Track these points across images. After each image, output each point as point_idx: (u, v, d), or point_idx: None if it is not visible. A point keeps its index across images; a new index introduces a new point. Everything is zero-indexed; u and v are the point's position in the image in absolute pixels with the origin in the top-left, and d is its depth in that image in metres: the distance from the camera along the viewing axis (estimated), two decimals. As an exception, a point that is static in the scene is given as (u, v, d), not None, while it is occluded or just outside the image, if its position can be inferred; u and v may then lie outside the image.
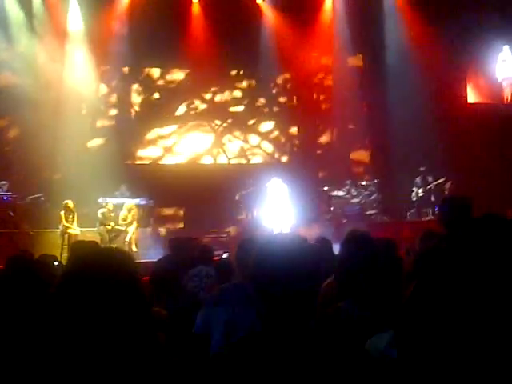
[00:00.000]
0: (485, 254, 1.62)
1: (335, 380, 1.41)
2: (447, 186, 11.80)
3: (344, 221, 11.80)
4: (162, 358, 1.41)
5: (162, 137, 13.87)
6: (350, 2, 13.28)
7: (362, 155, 14.37)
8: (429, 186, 11.99)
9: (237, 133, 14.22)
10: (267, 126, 14.38)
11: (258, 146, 14.36)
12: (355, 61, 14.03)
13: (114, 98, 13.41)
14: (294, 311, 1.50)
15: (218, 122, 14.08)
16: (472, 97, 14.36)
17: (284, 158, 14.50)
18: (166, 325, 2.74)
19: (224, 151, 14.13)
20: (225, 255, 8.36)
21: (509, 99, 13.72)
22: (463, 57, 13.52)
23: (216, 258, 6.31)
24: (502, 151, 13.23)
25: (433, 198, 11.80)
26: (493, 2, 12.61)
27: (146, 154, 13.75)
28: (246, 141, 14.26)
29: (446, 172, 12.03)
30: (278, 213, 10.71)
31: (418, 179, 12.18)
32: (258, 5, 13.59)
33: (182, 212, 13.19)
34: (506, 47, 13.55)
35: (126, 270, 1.34)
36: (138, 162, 13.65)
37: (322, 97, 14.46)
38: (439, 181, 11.86)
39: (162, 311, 2.88)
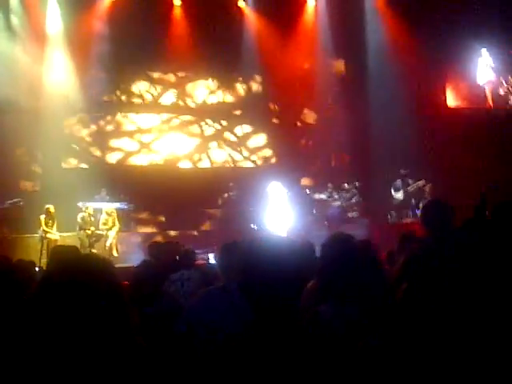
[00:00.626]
0: (479, 254, 1.63)
1: (315, 381, 1.41)
2: (427, 188, 11.91)
3: (325, 223, 11.86)
4: (143, 360, 1.41)
5: (141, 130, 13.65)
6: (332, 5, 13.37)
7: (343, 158, 14.44)
8: (409, 189, 12.10)
9: (220, 141, 14.14)
10: (246, 129, 14.34)
11: (248, 158, 14.28)
12: (337, 64, 14.12)
13: (94, 99, 13.24)
14: (280, 313, 1.50)
15: (197, 126, 14.03)
16: (452, 100, 14.55)
17: (266, 162, 14.48)
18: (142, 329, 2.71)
19: (209, 157, 14.01)
20: (210, 256, 8.32)
21: (490, 103, 13.94)
22: (443, 60, 13.69)
23: (200, 262, 6.28)
24: (481, 154, 13.41)
25: (413, 201, 11.92)
26: (471, 5, 12.80)
27: (119, 145, 13.47)
28: (234, 148, 14.19)
29: (426, 175, 12.15)
30: (277, 216, 10.60)
31: (398, 182, 12.28)
32: (240, 8, 13.61)
33: (163, 216, 13.09)
34: (484, 50, 13.76)
35: (103, 275, 1.35)
36: (113, 162, 13.34)
37: (303, 100, 14.48)
38: (419, 183, 11.98)
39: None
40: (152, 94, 13.78)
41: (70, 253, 3.20)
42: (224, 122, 14.16)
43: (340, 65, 14.31)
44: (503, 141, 13.24)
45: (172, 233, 11.68)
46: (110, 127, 13.53)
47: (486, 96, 14.08)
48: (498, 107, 14.01)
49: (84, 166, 12.93)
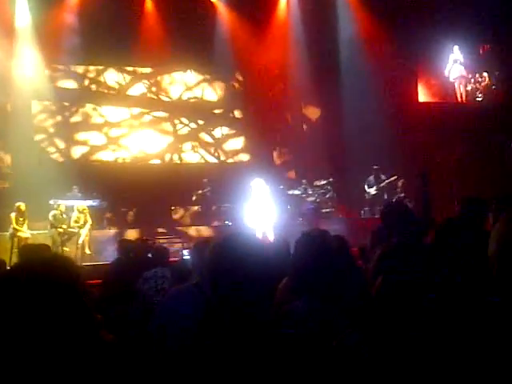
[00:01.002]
0: (449, 249, 1.65)
1: (288, 380, 1.41)
2: (399, 183, 12.06)
3: (300, 219, 11.91)
4: (108, 357, 1.41)
5: (110, 124, 13.36)
6: (305, 0, 13.41)
7: (316, 154, 14.49)
8: (381, 184, 12.23)
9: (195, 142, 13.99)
10: (224, 130, 14.25)
11: (224, 162, 14.15)
12: (309, 60, 14.14)
13: (64, 94, 12.98)
14: (252, 311, 1.49)
15: (169, 124, 13.87)
16: (423, 96, 14.75)
17: (243, 159, 14.44)
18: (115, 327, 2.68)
19: (180, 158, 13.84)
20: (185, 252, 8.27)
21: (462, 98, 14.20)
22: (414, 56, 13.88)
23: (174, 259, 6.24)
24: (452, 149, 13.64)
25: (385, 196, 12.05)
26: (443, 2, 12.99)
27: (85, 138, 13.18)
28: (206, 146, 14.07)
29: (399, 170, 12.30)
30: (256, 212, 10.53)
31: (371, 177, 12.40)
32: (212, 3, 13.52)
33: (136, 213, 12.91)
34: (455, 47, 13.99)
35: (64, 276, 1.37)
36: (83, 158, 13.06)
37: (275, 95, 14.47)
38: (391, 179, 12.12)
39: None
40: (122, 86, 13.56)
41: (40, 252, 3.14)
42: (200, 122, 14.04)
43: (312, 61, 14.32)
44: (473, 134, 13.51)
45: (146, 230, 11.56)
46: (77, 118, 13.19)
47: (455, 91, 14.34)
48: (467, 102, 14.28)
49: (55, 161, 12.68)
